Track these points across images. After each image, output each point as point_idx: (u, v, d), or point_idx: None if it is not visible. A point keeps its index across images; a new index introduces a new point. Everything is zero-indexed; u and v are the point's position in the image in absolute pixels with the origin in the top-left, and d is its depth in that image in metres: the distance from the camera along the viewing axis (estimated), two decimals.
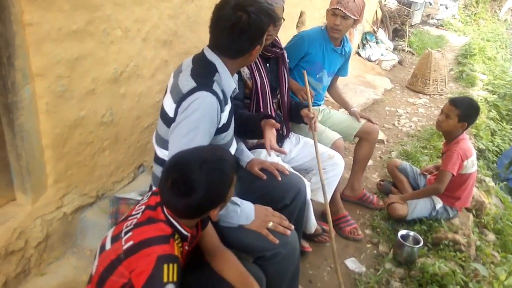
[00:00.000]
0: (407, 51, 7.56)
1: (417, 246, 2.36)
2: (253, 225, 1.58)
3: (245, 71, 1.99)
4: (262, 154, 2.09)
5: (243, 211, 1.58)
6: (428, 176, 3.01)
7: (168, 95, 1.57)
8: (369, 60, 6.61)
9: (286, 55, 2.26)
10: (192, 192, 1.19)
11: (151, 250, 1.17)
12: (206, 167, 1.21)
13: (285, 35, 3.30)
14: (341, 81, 3.24)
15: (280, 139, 2.23)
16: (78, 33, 1.76)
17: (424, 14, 10.51)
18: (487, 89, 6.16)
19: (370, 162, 3.43)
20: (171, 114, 1.53)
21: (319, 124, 2.61)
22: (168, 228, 1.25)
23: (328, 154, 2.25)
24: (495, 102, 5.55)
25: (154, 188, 1.68)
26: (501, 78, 6.47)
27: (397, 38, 7.87)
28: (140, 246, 1.19)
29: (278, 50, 2.09)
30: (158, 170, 1.65)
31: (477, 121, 3.58)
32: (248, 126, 1.85)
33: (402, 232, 2.46)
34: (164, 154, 1.60)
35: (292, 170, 2.04)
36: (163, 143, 1.59)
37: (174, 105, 1.52)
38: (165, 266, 1.14)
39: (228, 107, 1.63)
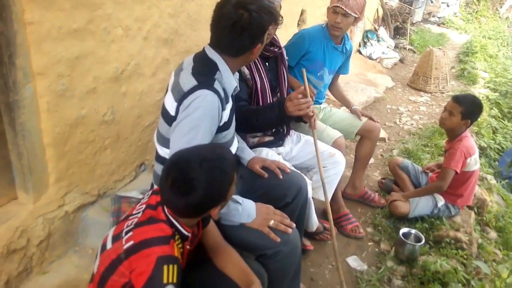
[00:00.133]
0: (409, 49, 7.54)
1: (418, 244, 2.36)
2: (255, 223, 1.58)
3: (245, 71, 1.98)
4: (263, 152, 2.09)
5: (244, 209, 1.58)
6: (430, 174, 3.01)
7: (169, 93, 1.57)
8: (370, 58, 6.59)
9: (284, 53, 2.26)
10: (192, 191, 1.19)
11: (151, 250, 1.17)
12: (206, 165, 1.21)
13: (286, 33, 3.30)
14: (342, 79, 3.24)
15: (281, 137, 2.22)
16: (78, 32, 1.76)
17: (426, 12, 10.48)
18: (488, 87, 6.14)
19: (372, 160, 3.43)
20: (172, 112, 1.53)
21: (320, 122, 2.61)
22: (169, 228, 1.24)
23: (329, 152, 2.25)
24: (497, 100, 5.54)
25: (155, 187, 1.68)
26: (502, 76, 6.45)
27: (398, 36, 7.85)
28: (140, 246, 1.19)
29: (277, 50, 2.09)
30: (159, 168, 1.65)
31: (478, 119, 3.57)
32: (272, 115, 1.84)
33: (404, 230, 2.46)
34: (165, 153, 1.60)
35: (293, 168, 2.04)
36: (165, 142, 1.59)
37: (175, 104, 1.51)
38: (165, 267, 1.14)
39: (229, 106, 1.63)
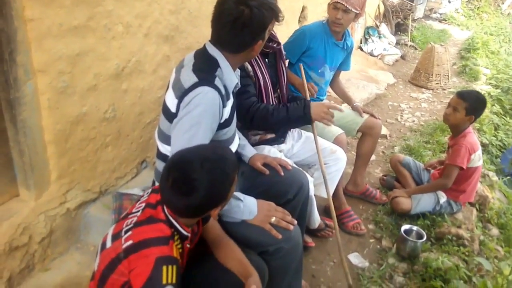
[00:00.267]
0: (410, 46, 7.51)
1: (420, 240, 2.35)
2: (256, 220, 1.58)
3: (248, 68, 1.98)
4: (265, 150, 2.09)
5: (246, 206, 1.58)
6: (432, 170, 3.00)
7: (170, 90, 1.57)
8: (371, 54, 6.58)
9: (282, 48, 2.25)
10: (193, 192, 1.18)
11: (150, 251, 1.16)
12: (207, 166, 1.20)
13: (287, 30, 3.29)
14: (343, 76, 3.23)
15: (283, 134, 2.22)
16: (79, 29, 1.76)
17: (427, 8, 10.44)
18: (490, 83, 6.12)
19: (373, 157, 3.42)
20: (173, 109, 1.52)
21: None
22: (168, 229, 1.24)
23: (330, 149, 2.24)
24: (499, 96, 5.52)
25: (157, 184, 1.68)
26: (504, 72, 6.42)
27: (399, 33, 7.83)
28: (139, 246, 1.18)
29: (275, 45, 2.08)
30: (160, 165, 1.65)
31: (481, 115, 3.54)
32: (290, 113, 1.91)
33: (405, 227, 2.45)
34: (166, 150, 1.60)
35: (294, 165, 2.04)
36: (166, 139, 1.59)
37: (176, 101, 1.51)
38: (164, 267, 1.13)
39: (230, 103, 1.62)
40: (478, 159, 2.64)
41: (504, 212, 3.02)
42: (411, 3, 8.18)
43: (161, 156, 1.65)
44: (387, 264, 2.32)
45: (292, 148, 2.26)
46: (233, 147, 1.73)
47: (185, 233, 1.29)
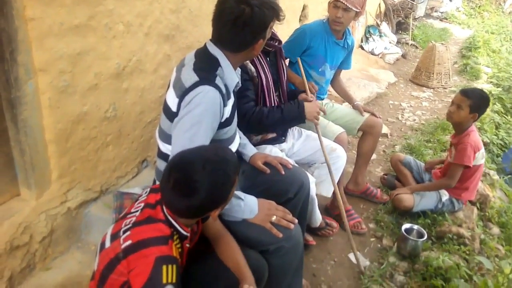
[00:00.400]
0: (411, 45, 7.50)
1: (421, 239, 2.35)
2: (257, 219, 1.58)
3: (252, 68, 1.98)
4: (267, 150, 2.09)
5: (246, 205, 1.58)
6: (434, 169, 3.00)
7: (171, 89, 1.57)
8: (372, 53, 6.57)
9: (282, 47, 2.25)
10: (194, 193, 1.18)
11: (149, 251, 1.16)
12: (209, 167, 1.20)
13: (287, 28, 3.29)
14: (344, 75, 3.22)
15: (284, 133, 2.22)
16: (80, 28, 1.76)
17: (428, 7, 10.41)
18: (491, 82, 6.10)
19: (374, 156, 3.42)
20: (174, 108, 1.52)
21: (322, 118, 2.60)
22: (167, 228, 1.24)
23: (330, 147, 2.24)
24: (500, 95, 5.50)
25: (157, 183, 1.68)
26: (505, 71, 6.40)
27: (400, 31, 7.81)
28: (138, 246, 1.18)
29: (276, 44, 2.08)
30: (161, 165, 1.65)
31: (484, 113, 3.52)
32: (285, 114, 1.96)
33: (406, 225, 2.45)
34: (167, 149, 1.60)
35: (295, 164, 2.04)
36: (166, 138, 1.59)
37: (177, 100, 1.51)
38: (164, 267, 1.13)
39: (231, 102, 1.62)
40: (481, 157, 2.65)
41: (505, 211, 3.02)
42: (412, 1, 8.16)
43: (162, 155, 1.65)
44: (387, 263, 2.32)
45: (293, 147, 2.26)
46: (234, 146, 1.73)
47: (184, 233, 1.29)
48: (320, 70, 2.69)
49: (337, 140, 2.40)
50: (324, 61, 2.67)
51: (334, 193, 2.40)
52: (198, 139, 1.43)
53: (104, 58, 1.93)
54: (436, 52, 5.75)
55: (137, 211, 1.30)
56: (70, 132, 1.87)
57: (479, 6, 12.11)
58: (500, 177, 3.52)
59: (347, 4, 2.43)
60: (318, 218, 2.26)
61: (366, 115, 2.75)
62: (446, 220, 2.63)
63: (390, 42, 6.92)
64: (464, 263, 2.30)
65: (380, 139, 3.14)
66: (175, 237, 1.25)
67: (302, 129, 2.35)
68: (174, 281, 1.14)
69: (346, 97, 2.98)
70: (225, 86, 1.57)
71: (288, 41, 2.66)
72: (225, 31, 1.53)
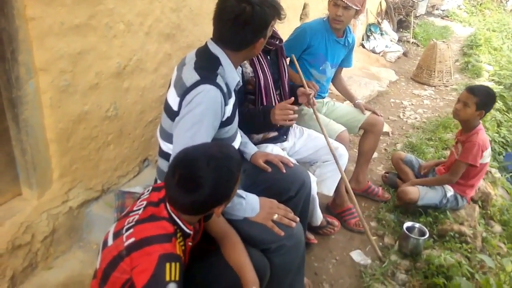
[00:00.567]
0: (412, 43, 7.49)
1: (422, 238, 2.35)
2: (258, 217, 1.58)
3: (247, 70, 1.97)
4: (268, 148, 2.09)
5: (248, 204, 1.58)
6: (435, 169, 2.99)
7: (172, 88, 1.57)
8: (373, 52, 6.56)
9: (283, 46, 2.24)
10: (199, 189, 1.19)
11: (152, 248, 1.17)
12: (213, 164, 1.21)
13: (288, 27, 3.28)
14: (345, 73, 3.22)
15: (285, 131, 2.22)
16: (80, 27, 1.76)
17: (429, 4, 10.39)
18: (493, 80, 6.09)
19: (375, 155, 3.42)
20: (175, 107, 1.52)
21: (324, 116, 2.60)
22: (171, 226, 1.24)
23: (332, 146, 2.24)
24: (501, 93, 5.48)
25: (159, 182, 1.68)
26: (507, 69, 6.39)
27: (401, 30, 7.80)
28: (142, 243, 1.19)
29: (277, 42, 2.08)
30: (162, 164, 1.65)
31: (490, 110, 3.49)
32: (256, 120, 1.88)
33: (408, 224, 2.45)
34: (168, 148, 1.60)
35: (296, 162, 2.04)
36: (168, 137, 1.59)
37: (177, 99, 1.51)
38: (167, 265, 1.14)
39: (232, 100, 1.62)
40: (488, 156, 2.65)
41: (506, 209, 3.01)
42: None
43: (163, 154, 1.65)
44: (389, 261, 2.32)
45: (294, 146, 2.26)
46: (235, 145, 1.73)
47: (187, 230, 1.29)
48: (321, 68, 2.68)
49: (339, 138, 2.40)
50: (325, 59, 2.66)
51: (336, 191, 2.42)
52: (199, 138, 1.43)
53: (105, 57, 1.93)
54: (437, 50, 5.74)
55: (139, 209, 1.31)
56: (71, 132, 1.88)
57: (481, 4, 12.08)
58: (502, 175, 3.52)
59: (347, 3, 2.43)
60: (319, 216, 2.26)
61: (367, 113, 2.74)
62: (447, 218, 2.63)
63: (391, 40, 6.91)
64: (466, 261, 2.30)
65: (381, 137, 3.13)
66: (178, 235, 1.25)
67: (304, 128, 2.35)
68: (177, 279, 1.14)
69: (347, 96, 2.98)
70: (226, 85, 1.57)
71: (288, 40, 2.65)
72: (226, 29, 1.53)
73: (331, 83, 2.93)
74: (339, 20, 2.53)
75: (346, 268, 2.30)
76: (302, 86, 2.21)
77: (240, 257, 1.44)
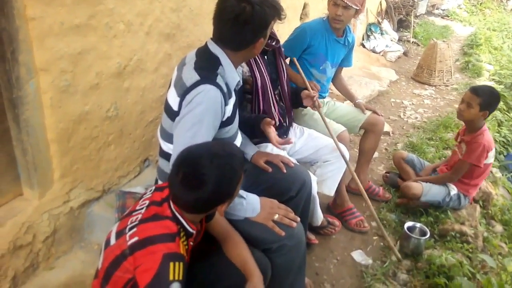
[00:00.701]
0: (412, 42, 7.48)
1: (423, 237, 2.35)
2: (259, 217, 1.58)
3: (245, 68, 1.97)
4: (268, 148, 2.08)
5: (249, 204, 1.58)
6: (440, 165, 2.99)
7: (172, 88, 1.57)
8: (374, 51, 6.55)
9: (281, 46, 2.24)
10: (202, 186, 1.19)
11: (156, 247, 1.17)
12: (216, 162, 1.21)
13: (288, 27, 3.28)
14: (345, 73, 3.22)
15: (285, 131, 2.22)
16: (80, 28, 1.76)
17: (429, 4, 10.39)
18: (493, 79, 6.08)
19: (376, 154, 3.41)
20: (175, 107, 1.52)
21: (324, 116, 2.60)
22: (174, 225, 1.24)
23: (333, 146, 2.24)
24: (502, 92, 5.46)
25: (160, 182, 1.68)
26: (507, 68, 6.39)
27: (402, 29, 7.79)
28: (145, 242, 1.19)
29: (274, 43, 2.07)
30: (163, 164, 1.65)
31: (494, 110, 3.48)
32: (247, 127, 1.89)
33: (409, 224, 2.45)
34: (169, 148, 1.60)
35: (296, 162, 2.04)
36: (168, 137, 1.59)
37: (178, 99, 1.51)
38: (171, 264, 1.14)
39: (232, 100, 1.62)
40: (492, 156, 2.66)
41: (508, 208, 3.01)
42: None
43: (163, 154, 1.65)
44: (390, 261, 2.32)
45: (295, 145, 2.25)
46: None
47: (190, 230, 1.29)
48: (321, 68, 2.68)
49: (339, 138, 2.39)
50: (325, 59, 2.66)
51: (337, 191, 2.41)
52: (199, 138, 1.43)
53: (105, 57, 1.93)
54: (437, 50, 5.74)
55: (142, 208, 1.31)
56: (72, 132, 1.88)
57: (481, 3, 12.07)
58: (503, 175, 3.52)
59: (347, 2, 2.43)
60: (319, 216, 2.26)
61: (368, 113, 2.74)
62: (448, 218, 2.63)
63: (391, 40, 6.91)
64: (467, 261, 2.30)
65: (382, 137, 3.13)
66: (181, 234, 1.25)
67: (304, 128, 2.35)
68: (180, 278, 1.14)
69: (347, 95, 2.97)
70: (226, 84, 1.57)
71: (288, 40, 2.65)
72: (226, 29, 1.53)
73: (331, 83, 2.93)
74: (339, 20, 2.53)
75: (347, 268, 2.30)
76: (304, 88, 2.21)
77: (242, 253, 1.44)
